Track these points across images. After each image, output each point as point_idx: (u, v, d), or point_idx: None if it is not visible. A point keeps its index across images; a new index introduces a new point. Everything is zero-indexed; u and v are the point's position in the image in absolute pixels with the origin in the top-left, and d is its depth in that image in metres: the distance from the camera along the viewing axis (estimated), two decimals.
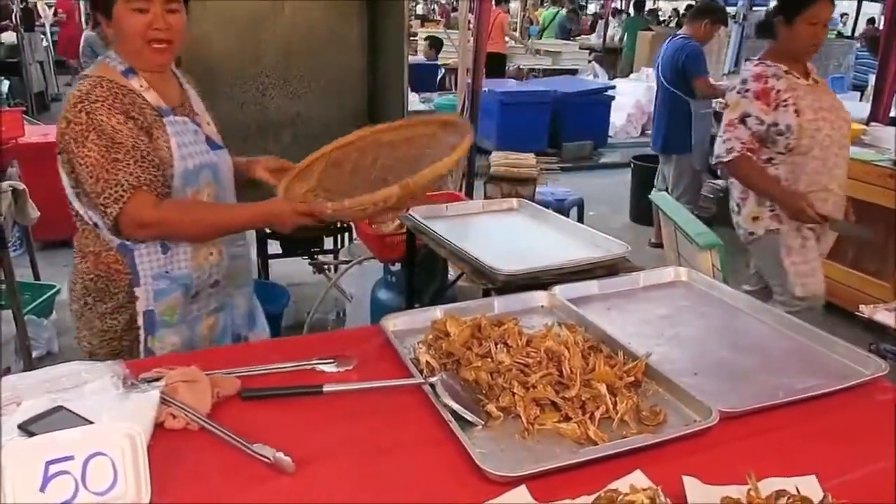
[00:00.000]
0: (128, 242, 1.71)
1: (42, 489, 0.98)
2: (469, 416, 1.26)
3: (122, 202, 1.61)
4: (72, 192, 1.72)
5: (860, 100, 5.47)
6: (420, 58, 9.70)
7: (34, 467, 0.99)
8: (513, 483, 1.07)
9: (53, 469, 1.00)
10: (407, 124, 1.99)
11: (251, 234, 4.33)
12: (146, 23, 1.64)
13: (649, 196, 3.47)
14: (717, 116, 5.38)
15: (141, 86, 1.71)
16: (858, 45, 10.59)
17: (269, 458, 1.13)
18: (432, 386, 1.32)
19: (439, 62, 9.87)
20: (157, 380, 1.32)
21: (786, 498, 1.01)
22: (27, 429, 1.13)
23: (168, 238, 1.73)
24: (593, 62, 12.26)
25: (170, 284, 1.76)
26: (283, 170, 1.97)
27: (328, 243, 4.38)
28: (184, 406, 1.24)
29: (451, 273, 2.92)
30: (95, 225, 1.73)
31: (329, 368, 1.44)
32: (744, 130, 2.80)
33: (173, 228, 1.70)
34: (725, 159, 2.84)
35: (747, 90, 2.81)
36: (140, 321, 1.75)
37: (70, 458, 1.01)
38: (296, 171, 1.94)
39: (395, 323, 1.63)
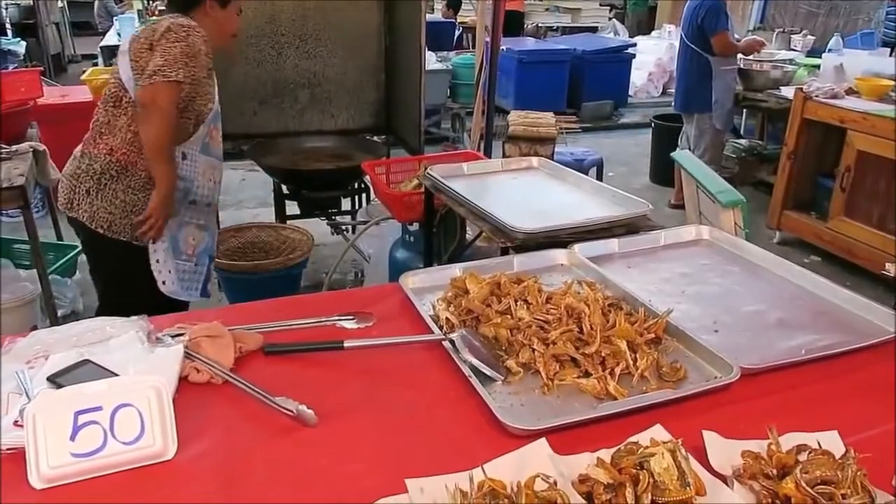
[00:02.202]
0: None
1: (72, 438, 1.01)
2: (489, 371, 1.26)
3: (164, 79, 2.11)
4: (133, 83, 2.21)
5: (890, 55, 5.30)
6: (437, 16, 9.53)
7: (64, 417, 1.02)
8: (532, 436, 1.07)
9: (83, 419, 1.02)
10: None
11: (269, 194, 4.34)
12: (239, 25, 2.47)
13: (671, 154, 3.42)
14: (742, 74, 5.26)
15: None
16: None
17: (292, 411, 1.14)
18: (452, 342, 1.33)
19: (457, 20, 9.69)
20: (180, 335, 1.34)
21: (807, 452, 1.01)
22: (55, 381, 1.15)
23: (155, 128, 2.18)
24: (614, 19, 11.98)
25: (178, 183, 2.31)
26: None
27: (346, 204, 4.39)
28: (207, 360, 1.26)
29: (469, 233, 2.91)
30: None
31: (349, 325, 1.45)
32: None
33: (159, 125, 2.16)
34: None
35: None
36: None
37: (98, 408, 1.03)
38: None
39: (413, 280, 1.63)
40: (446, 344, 1.34)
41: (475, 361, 1.27)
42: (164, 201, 2.25)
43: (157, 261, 2.36)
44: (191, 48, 2.17)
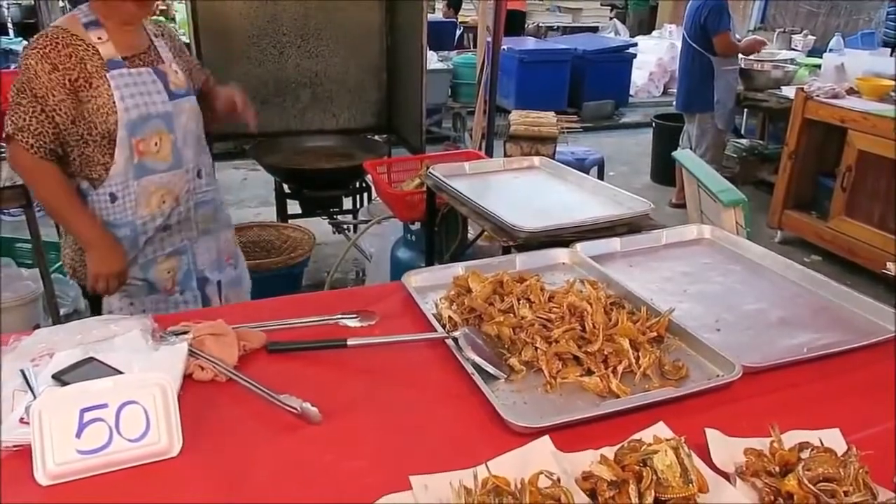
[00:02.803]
0: (83, 185, 1.90)
1: (78, 435, 1.01)
2: (491, 369, 1.27)
3: (7, 142, 1.79)
4: None
5: (891, 55, 5.30)
6: (438, 16, 9.54)
7: (70, 414, 1.02)
8: (536, 434, 1.08)
9: (88, 416, 1.03)
10: None
11: (270, 193, 4.34)
12: None
13: (672, 154, 3.42)
14: (743, 74, 5.26)
15: (99, 38, 1.83)
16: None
17: (296, 409, 1.15)
18: (455, 340, 1.33)
19: (458, 20, 9.70)
20: (184, 333, 1.34)
21: (809, 450, 1.01)
22: (61, 378, 1.16)
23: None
24: (614, 19, 11.98)
25: (115, 232, 1.93)
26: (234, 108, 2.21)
27: (348, 203, 4.39)
28: (212, 358, 1.27)
29: (471, 232, 2.91)
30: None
31: (352, 323, 1.46)
32: None
33: (31, 190, 1.94)
34: None
35: None
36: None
37: (104, 406, 1.04)
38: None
39: (416, 279, 1.64)
40: (449, 342, 1.34)
41: (478, 359, 1.27)
42: (95, 261, 1.89)
43: (112, 311, 1.98)
44: (23, 78, 1.76)
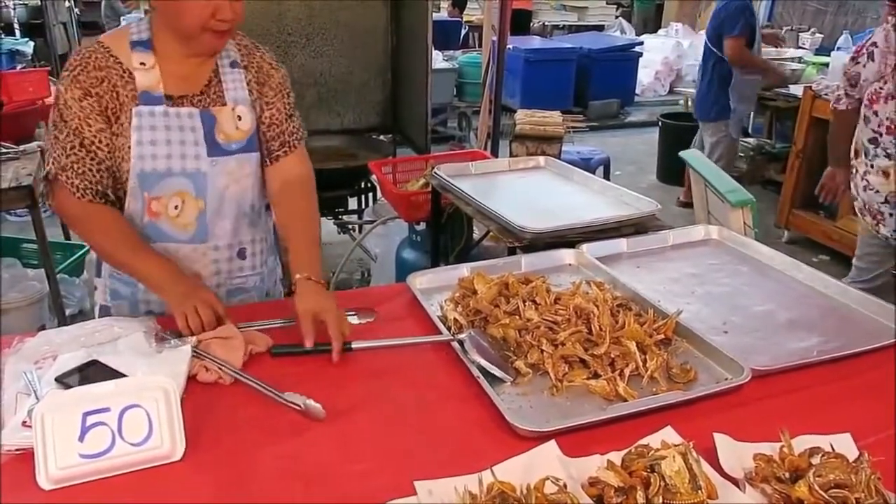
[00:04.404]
0: None
1: (80, 439, 1.01)
2: (498, 372, 1.26)
3: (51, 184, 1.49)
4: None
5: None
6: (443, 15, 9.53)
7: (72, 418, 1.02)
8: (542, 438, 1.07)
9: (91, 420, 1.02)
10: None
11: None
12: (210, 11, 1.39)
13: (679, 153, 3.40)
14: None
15: (142, 63, 1.47)
16: None
17: (299, 406, 1.14)
18: (461, 342, 1.32)
19: (463, 19, 9.69)
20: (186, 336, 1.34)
21: (820, 455, 1.00)
22: (63, 381, 1.15)
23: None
24: (620, 18, 11.95)
25: (124, 288, 1.59)
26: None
27: (353, 203, 4.39)
28: (216, 359, 1.26)
29: (476, 232, 2.90)
30: None
31: (352, 320, 1.44)
32: None
33: (84, 238, 1.56)
34: None
35: None
36: (96, 313, 1.66)
37: (106, 409, 1.03)
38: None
39: (421, 281, 1.63)
40: (454, 344, 1.33)
41: (484, 362, 1.26)
42: (175, 300, 1.38)
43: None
44: (57, 105, 1.47)
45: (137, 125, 1.46)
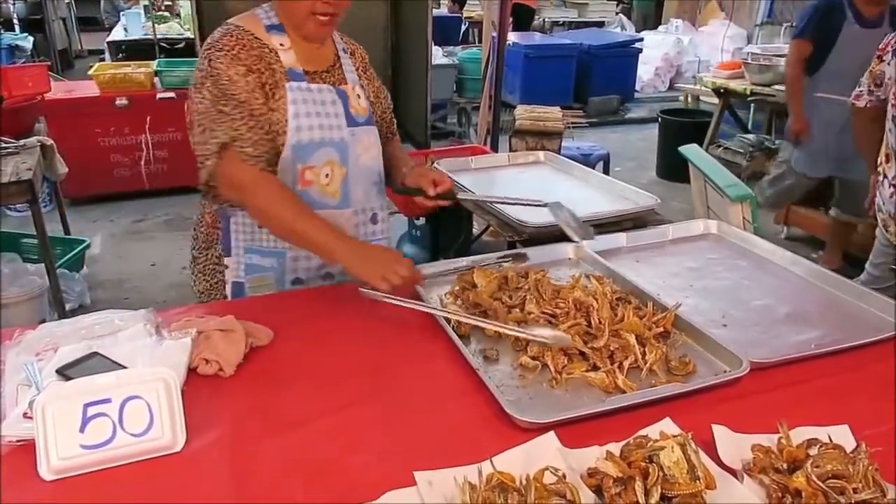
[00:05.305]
0: (226, 208, 1.62)
1: (81, 430, 1.01)
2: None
3: (217, 157, 1.50)
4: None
5: None
6: (442, 11, 9.52)
7: (73, 409, 1.02)
8: (541, 430, 1.07)
9: (92, 411, 1.02)
10: None
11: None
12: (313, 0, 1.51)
13: (679, 149, 3.40)
14: (749, 68, 5.03)
15: (281, 44, 1.57)
16: None
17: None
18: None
19: (463, 15, 9.68)
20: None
21: (818, 446, 1.00)
22: (64, 373, 1.15)
23: (251, 211, 1.59)
24: (620, 14, 11.94)
25: (261, 259, 1.65)
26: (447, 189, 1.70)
27: None
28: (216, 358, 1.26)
29: (476, 227, 2.91)
30: None
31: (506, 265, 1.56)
32: None
33: (256, 207, 1.55)
34: None
35: None
36: (227, 290, 1.67)
37: (107, 400, 1.04)
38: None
39: (420, 274, 1.63)
40: (454, 340, 1.33)
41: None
42: (367, 265, 1.44)
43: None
44: (216, 82, 1.51)
45: (293, 98, 1.56)
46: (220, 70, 1.49)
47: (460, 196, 1.61)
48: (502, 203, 1.65)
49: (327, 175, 1.62)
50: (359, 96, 1.69)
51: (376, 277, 1.40)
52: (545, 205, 1.70)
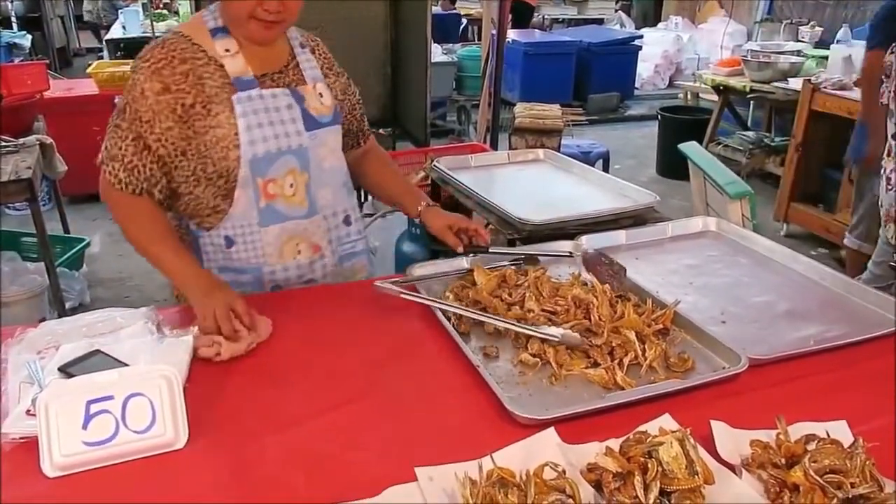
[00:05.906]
0: (192, 226, 1.58)
1: (84, 427, 1.02)
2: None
3: (102, 168, 1.48)
4: None
5: None
6: (437, 9, 9.50)
7: (76, 406, 1.03)
8: (541, 426, 1.08)
9: (94, 408, 1.03)
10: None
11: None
12: (255, 2, 1.41)
13: (679, 146, 3.41)
14: (748, 65, 5.02)
15: (227, 50, 1.48)
16: None
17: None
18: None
19: (461, 12, 9.67)
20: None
21: (816, 442, 1.01)
22: (67, 371, 1.16)
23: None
24: (620, 11, 11.92)
25: (236, 277, 1.57)
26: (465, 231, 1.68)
27: None
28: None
29: None
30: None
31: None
32: None
33: (119, 224, 1.53)
34: None
35: None
36: None
37: (110, 398, 1.04)
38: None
39: (420, 272, 1.63)
40: (454, 337, 1.34)
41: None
42: (199, 301, 1.39)
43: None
44: (129, 94, 1.45)
45: (242, 111, 1.46)
46: (137, 82, 1.43)
47: (492, 250, 1.65)
48: (533, 254, 1.68)
49: (291, 185, 1.55)
50: (321, 94, 1.61)
51: (201, 318, 1.34)
52: (570, 254, 1.71)
